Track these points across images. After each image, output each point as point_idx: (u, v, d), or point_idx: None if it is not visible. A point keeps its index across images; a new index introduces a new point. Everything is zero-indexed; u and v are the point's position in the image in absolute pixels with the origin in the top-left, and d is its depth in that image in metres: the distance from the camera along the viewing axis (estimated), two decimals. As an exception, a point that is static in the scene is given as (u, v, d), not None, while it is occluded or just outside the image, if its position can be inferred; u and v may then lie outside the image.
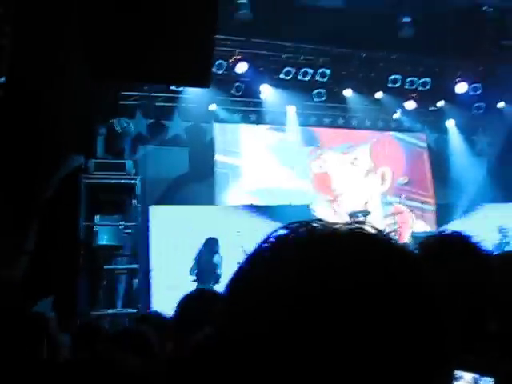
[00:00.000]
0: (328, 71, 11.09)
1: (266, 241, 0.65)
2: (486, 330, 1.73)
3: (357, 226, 0.66)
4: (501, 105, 12.24)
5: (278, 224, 0.68)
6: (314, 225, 0.66)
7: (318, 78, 11.09)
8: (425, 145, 12.59)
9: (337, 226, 0.66)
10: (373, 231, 0.66)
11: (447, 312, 0.64)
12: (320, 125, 11.88)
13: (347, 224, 0.67)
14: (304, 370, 0.57)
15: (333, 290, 0.58)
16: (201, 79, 4.85)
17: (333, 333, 0.57)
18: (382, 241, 0.66)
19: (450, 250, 1.77)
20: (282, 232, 0.66)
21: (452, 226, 11.42)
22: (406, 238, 10.76)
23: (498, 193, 11.55)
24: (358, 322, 0.57)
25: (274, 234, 0.66)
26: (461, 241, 1.81)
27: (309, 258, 0.61)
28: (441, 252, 1.76)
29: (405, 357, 0.58)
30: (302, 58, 11.04)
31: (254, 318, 0.59)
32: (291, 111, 11.46)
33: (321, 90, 11.33)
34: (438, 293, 0.64)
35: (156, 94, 10.43)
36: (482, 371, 1.50)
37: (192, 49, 4.25)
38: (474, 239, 1.80)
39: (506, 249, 9.22)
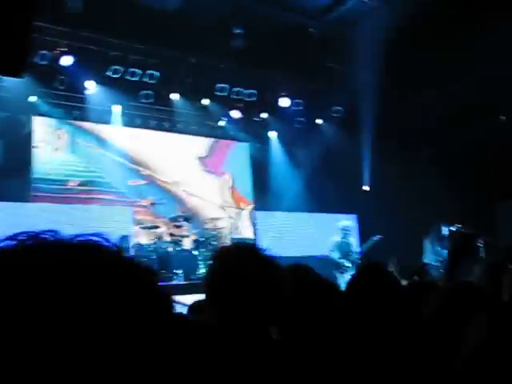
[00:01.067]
0: (156, 73, 10.97)
1: None
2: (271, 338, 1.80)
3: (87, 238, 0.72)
4: (319, 121, 13.04)
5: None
6: (44, 236, 0.69)
7: (146, 79, 10.90)
8: (247, 153, 12.99)
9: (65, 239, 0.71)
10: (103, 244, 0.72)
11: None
12: (145, 127, 11.72)
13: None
14: None
15: None
16: (13, 68, 4.50)
17: None
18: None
19: (244, 261, 1.82)
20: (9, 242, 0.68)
21: (271, 233, 11.95)
22: (227, 243, 10.96)
23: (313, 203, 12.21)
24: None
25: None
26: (255, 253, 1.86)
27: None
28: (236, 263, 1.81)
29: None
30: (130, 57, 10.79)
31: None
32: (117, 110, 11.15)
33: (148, 92, 11.16)
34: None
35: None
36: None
37: (4, 35, 3.95)
38: (267, 252, 1.87)
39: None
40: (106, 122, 11.13)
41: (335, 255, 9.74)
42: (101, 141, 11.19)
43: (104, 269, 0.69)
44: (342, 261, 9.67)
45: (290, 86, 12.26)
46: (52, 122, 10.72)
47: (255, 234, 12.37)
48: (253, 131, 12.91)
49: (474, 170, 10.77)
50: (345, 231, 9.95)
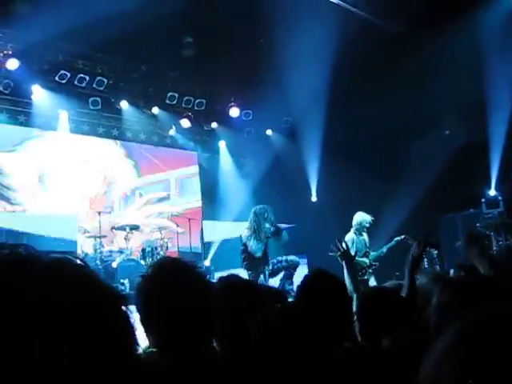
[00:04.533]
0: (106, 80, 10.83)
1: None
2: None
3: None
4: (268, 132, 13.13)
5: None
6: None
7: (94, 85, 10.75)
8: (196, 163, 12.96)
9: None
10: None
11: None
12: (93, 134, 11.53)
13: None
14: None
15: None
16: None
17: None
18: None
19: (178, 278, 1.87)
20: None
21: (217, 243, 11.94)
22: (173, 253, 10.86)
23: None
24: None
25: None
26: (190, 269, 1.92)
27: None
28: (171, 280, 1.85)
29: None
30: (79, 62, 10.62)
31: None
32: (64, 116, 10.92)
33: (97, 99, 10.99)
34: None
35: None
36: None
37: None
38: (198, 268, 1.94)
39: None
40: (53, 128, 10.88)
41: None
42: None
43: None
44: (363, 260, 8.63)
45: (239, 96, 12.31)
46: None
47: (202, 243, 12.33)
48: (202, 141, 12.89)
49: (418, 183, 11.03)
50: (361, 226, 8.90)
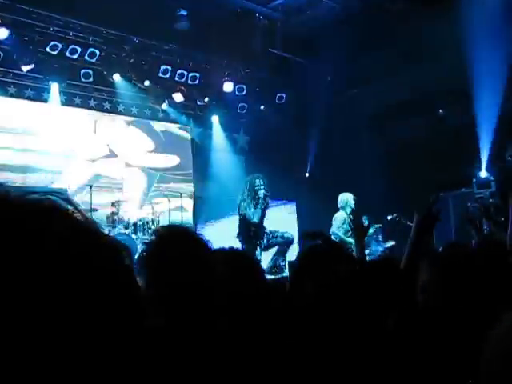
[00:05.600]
0: (98, 52, 10.68)
1: None
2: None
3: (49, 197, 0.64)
4: (261, 107, 13.04)
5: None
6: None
7: (86, 57, 10.59)
8: (188, 137, 12.87)
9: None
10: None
11: None
12: (85, 106, 11.38)
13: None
14: None
15: None
16: None
17: None
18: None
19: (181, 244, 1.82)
20: None
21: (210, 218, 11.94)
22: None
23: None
24: None
25: None
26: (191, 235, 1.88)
27: None
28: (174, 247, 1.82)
29: None
30: (71, 34, 10.44)
31: None
32: (55, 88, 10.77)
33: (88, 71, 10.82)
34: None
35: None
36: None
37: None
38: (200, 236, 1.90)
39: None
40: (44, 100, 10.73)
41: (340, 232, 8.65)
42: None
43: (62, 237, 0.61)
44: (348, 239, 8.36)
45: (233, 70, 12.21)
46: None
47: (194, 218, 12.32)
48: (195, 115, 12.80)
49: (412, 161, 11.04)
50: (347, 206, 8.67)
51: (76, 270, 0.59)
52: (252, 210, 8.61)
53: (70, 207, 0.66)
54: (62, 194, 0.66)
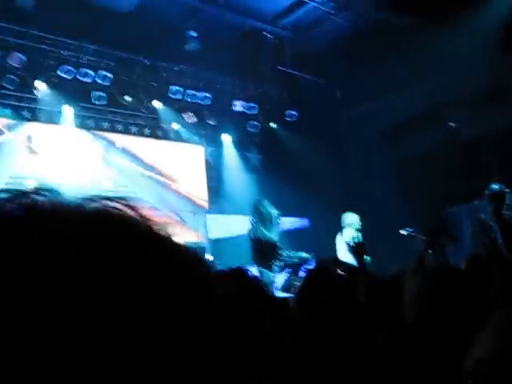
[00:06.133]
0: (110, 75, 10.82)
1: None
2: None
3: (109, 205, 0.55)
4: (273, 125, 13.10)
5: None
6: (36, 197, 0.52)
7: (98, 80, 10.74)
8: (202, 157, 12.92)
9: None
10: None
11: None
12: (98, 128, 11.49)
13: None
14: None
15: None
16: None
17: None
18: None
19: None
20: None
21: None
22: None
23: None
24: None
25: None
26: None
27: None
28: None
29: None
30: (83, 57, 10.61)
31: None
32: (68, 112, 10.90)
33: (101, 94, 10.97)
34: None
35: None
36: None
37: None
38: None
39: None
40: (57, 123, 10.85)
41: (348, 257, 7.94)
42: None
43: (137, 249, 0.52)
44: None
45: (243, 89, 12.31)
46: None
47: (208, 237, 12.30)
48: (206, 134, 12.87)
49: (423, 176, 11.00)
50: (357, 227, 8.66)
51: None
52: (266, 231, 8.42)
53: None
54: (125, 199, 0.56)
